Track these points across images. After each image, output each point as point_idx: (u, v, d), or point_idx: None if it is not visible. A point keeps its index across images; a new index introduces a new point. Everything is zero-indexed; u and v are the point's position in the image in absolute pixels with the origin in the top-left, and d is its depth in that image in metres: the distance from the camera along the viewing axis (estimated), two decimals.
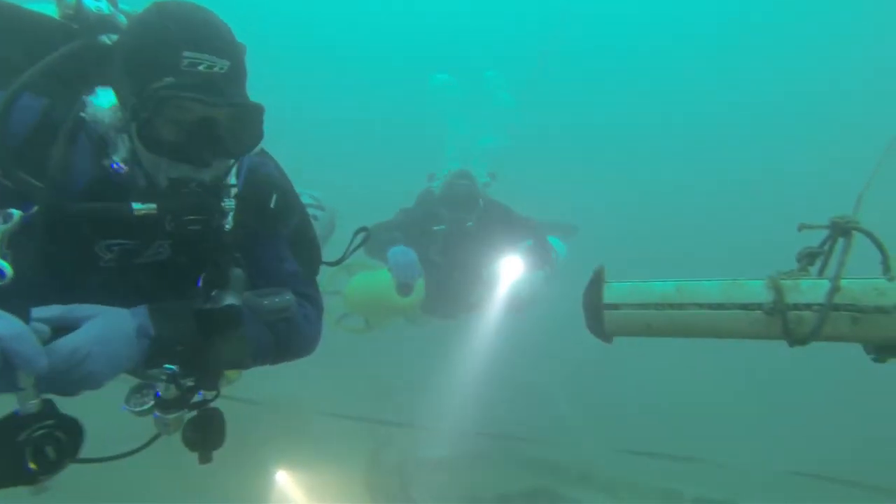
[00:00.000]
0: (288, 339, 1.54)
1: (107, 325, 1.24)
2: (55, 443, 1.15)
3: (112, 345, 1.23)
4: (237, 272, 1.57)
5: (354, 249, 1.85)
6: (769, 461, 4.13)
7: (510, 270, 4.23)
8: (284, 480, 4.27)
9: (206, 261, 1.53)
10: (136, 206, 1.32)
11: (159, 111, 1.26)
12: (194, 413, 1.50)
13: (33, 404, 1.12)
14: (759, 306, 1.04)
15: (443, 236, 4.37)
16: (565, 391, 6.60)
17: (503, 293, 4.45)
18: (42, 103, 1.34)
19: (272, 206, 1.56)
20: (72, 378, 1.17)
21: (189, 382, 1.45)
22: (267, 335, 1.49)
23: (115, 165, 1.36)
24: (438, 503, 4.22)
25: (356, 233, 1.86)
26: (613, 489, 4.47)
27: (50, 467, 1.14)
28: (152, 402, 1.42)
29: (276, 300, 1.48)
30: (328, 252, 1.94)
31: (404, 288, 3.89)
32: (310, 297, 1.66)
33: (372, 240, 4.54)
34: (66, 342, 1.16)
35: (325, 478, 4.26)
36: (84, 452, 1.24)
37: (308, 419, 4.67)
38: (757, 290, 1.06)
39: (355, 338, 4.96)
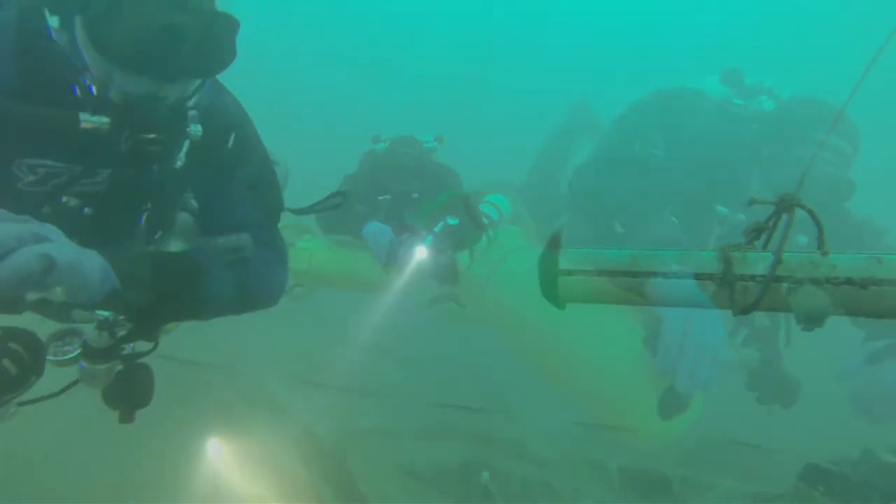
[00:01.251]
0: (248, 282, 1.39)
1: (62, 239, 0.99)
2: (12, 356, 0.99)
3: (83, 253, 1.00)
4: (185, 216, 1.44)
5: (323, 209, 1.79)
6: (691, 430, 4.40)
7: (416, 259, 4.27)
8: (216, 449, 4.17)
9: (150, 197, 1.37)
10: (83, 116, 1.10)
11: (115, 8, 1.07)
12: (121, 367, 1.35)
13: None
14: (710, 276, 1.09)
15: (387, 206, 4.35)
16: (504, 364, 6.73)
17: (437, 264, 4.48)
18: None
19: (230, 145, 1.42)
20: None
21: (122, 331, 1.31)
22: (229, 279, 1.33)
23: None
24: (375, 475, 4.23)
25: (331, 196, 1.79)
26: (545, 462, 4.62)
27: (10, 385, 0.99)
28: (78, 351, 1.29)
29: (232, 238, 1.35)
30: None
31: (391, 267, 3.96)
32: (269, 244, 1.52)
33: (333, 214, 4.50)
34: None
35: (259, 446, 4.19)
36: None
37: (244, 383, 4.58)
38: (709, 261, 1.12)
39: (293, 303, 4.89)
